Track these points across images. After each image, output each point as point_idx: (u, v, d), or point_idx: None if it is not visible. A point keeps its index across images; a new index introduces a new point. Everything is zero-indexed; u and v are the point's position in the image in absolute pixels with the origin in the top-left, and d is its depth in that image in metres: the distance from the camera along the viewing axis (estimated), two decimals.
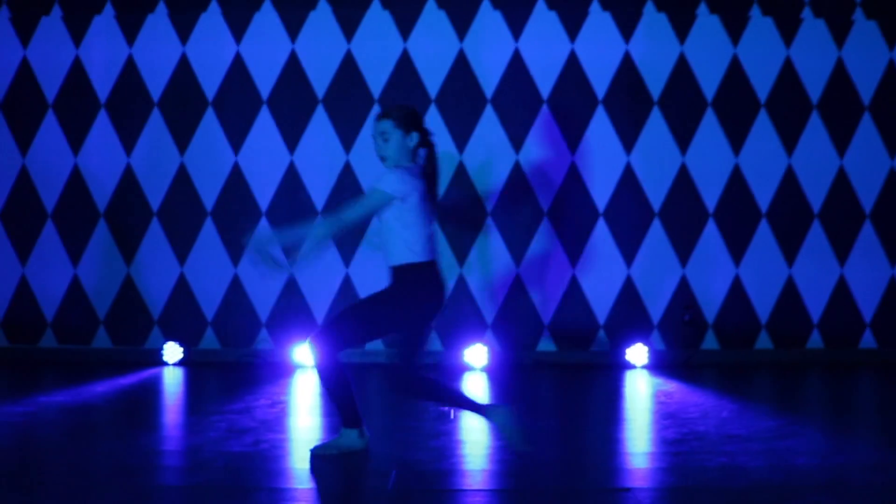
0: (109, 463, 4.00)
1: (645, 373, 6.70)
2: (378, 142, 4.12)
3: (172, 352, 7.01)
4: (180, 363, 7.00)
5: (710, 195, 7.09)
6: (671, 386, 6.06)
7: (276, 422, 4.94)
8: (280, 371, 6.65)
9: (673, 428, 4.63)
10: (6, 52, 7.12)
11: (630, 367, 6.93)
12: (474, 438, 4.52)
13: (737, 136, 7.07)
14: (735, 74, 7.06)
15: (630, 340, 7.03)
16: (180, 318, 7.10)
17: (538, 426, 4.78)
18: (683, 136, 7.07)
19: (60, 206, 7.11)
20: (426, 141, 4.17)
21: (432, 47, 7.04)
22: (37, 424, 4.86)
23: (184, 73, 7.05)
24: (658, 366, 6.93)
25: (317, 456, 4.08)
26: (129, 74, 7.05)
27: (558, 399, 5.96)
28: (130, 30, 7.04)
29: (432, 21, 7.02)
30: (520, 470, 3.91)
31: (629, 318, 7.08)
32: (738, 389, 5.94)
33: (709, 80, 7.07)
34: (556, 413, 5.43)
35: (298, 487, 3.67)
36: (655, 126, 7.06)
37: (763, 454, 4.12)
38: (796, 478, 3.76)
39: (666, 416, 5.00)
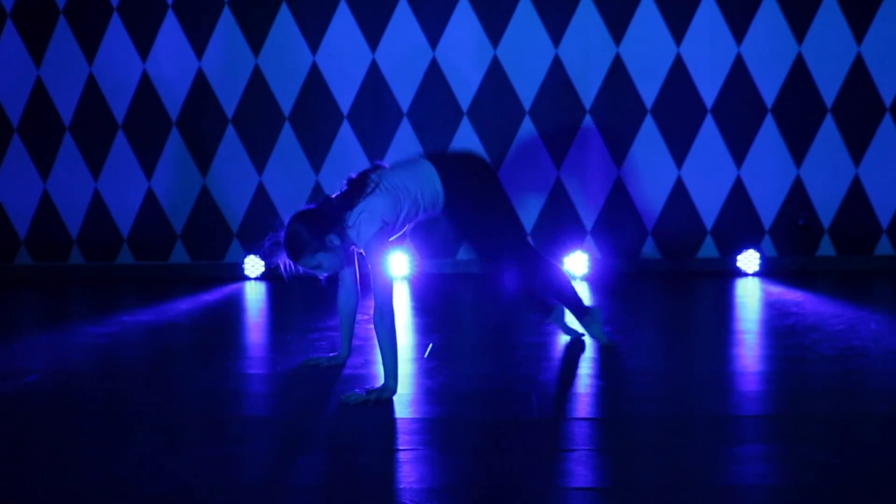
0: (197, 388, 3.65)
1: (758, 281, 6.20)
2: (316, 273, 3.75)
3: (253, 265, 6.68)
4: (262, 277, 6.67)
5: (829, 89, 6.45)
6: (796, 295, 5.54)
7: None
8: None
9: (826, 342, 4.13)
10: None
11: (741, 274, 6.44)
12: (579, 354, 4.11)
13: (859, 22, 6.39)
14: None
15: (740, 247, 6.52)
16: (261, 231, 6.67)
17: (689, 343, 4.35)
18: (799, 23, 6.41)
19: (130, 116, 6.73)
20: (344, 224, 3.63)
21: None
22: (123, 345, 4.56)
23: None
24: (770, 273, 6.43)
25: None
26: None
27: (674, 308, 5.50)
28: None
29: None
30: (668, 395, 3.49)
31: (739, 222, 6.55)
32: (867, 299, 5.40)
33: None
34: (678, 325, 4.98)
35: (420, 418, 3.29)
36: (768, 13, 6.41)
37: None
38: None
39: (809, 328, 4.49)
